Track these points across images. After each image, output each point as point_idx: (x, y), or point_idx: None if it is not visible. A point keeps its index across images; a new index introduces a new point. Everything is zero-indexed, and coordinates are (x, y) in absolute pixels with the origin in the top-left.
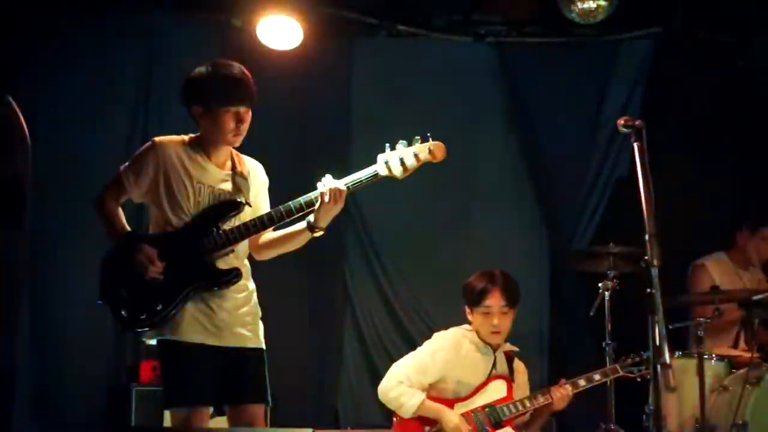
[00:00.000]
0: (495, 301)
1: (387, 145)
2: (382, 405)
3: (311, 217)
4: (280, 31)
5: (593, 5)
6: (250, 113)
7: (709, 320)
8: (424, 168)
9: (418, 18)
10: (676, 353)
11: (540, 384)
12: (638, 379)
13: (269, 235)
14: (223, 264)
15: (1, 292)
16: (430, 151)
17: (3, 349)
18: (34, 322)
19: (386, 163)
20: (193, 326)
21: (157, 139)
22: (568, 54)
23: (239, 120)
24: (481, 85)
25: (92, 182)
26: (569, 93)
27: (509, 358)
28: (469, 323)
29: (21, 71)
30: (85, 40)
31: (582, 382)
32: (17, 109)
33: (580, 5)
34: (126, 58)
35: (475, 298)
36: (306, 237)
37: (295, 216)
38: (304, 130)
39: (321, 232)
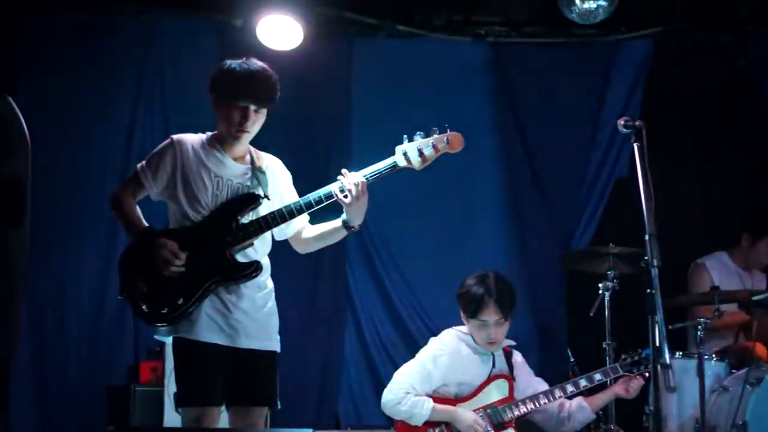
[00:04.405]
0: (490, 315)
1: (405, 136)
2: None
3: (345, 216)
4: (280, 31)
5: (593, 5)
6: (260, 113)
7: (709, 320)
8: (426, 167)
9: (418, 18)
10: (676, 353)
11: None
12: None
13: (310, 229)
14: (243, 258)
15: (0, 292)
16: (448, 142)
17: (3, 349)
18: (34, 322)
19: (404, 154)
20: (209, 326)
21: (174, 136)
22: (568, 54)
23: (244, 116)
24: (480, 85)
25: (92, 182)
26: (569, 93)
27: (507, 353)
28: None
29: (21, 71)
30: (85, 40)
31: (583, 383)
32: (17, 109)
33: (580, 5)
34: (126, 58)
35: (471, 311)
36: (342, 234)
37: (315, 208)
38: (304, 130)
39: (357, 228)
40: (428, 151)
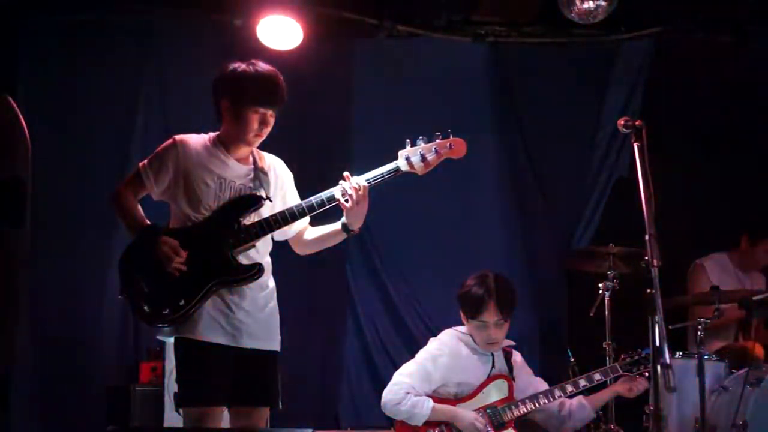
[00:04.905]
0: (491, 315)
1: (407, 140)
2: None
3: (345, 219)
4: (280, 31)
5: (593, 5)
6: (274, 117)
7: (709, 320)
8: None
9: (418, 18)
10: (676, 353)
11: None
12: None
13: (311, 232)
14: (244, 259)
15: (1, 292)
16: (451, 147)
17: (3, 349)
18: (34, 322)
19: (407, 159)
20: (211, 326)
21: (177, 137)
22: (568, 54)
23: (263, 122)
24: (480, 85)
25: (92, 182)
26: (569, 93)
27: (507, 354)
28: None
29: (21, 71)
30: (85, 40)
31: (582, 382)
32: (17, 110)
33: (580, 5)
34: (126, 58)
35: (471, 312)
36: (342, 237)
37: (317, 211)
38: (304, 131)
39: (357, 232)
40: (431, 157)
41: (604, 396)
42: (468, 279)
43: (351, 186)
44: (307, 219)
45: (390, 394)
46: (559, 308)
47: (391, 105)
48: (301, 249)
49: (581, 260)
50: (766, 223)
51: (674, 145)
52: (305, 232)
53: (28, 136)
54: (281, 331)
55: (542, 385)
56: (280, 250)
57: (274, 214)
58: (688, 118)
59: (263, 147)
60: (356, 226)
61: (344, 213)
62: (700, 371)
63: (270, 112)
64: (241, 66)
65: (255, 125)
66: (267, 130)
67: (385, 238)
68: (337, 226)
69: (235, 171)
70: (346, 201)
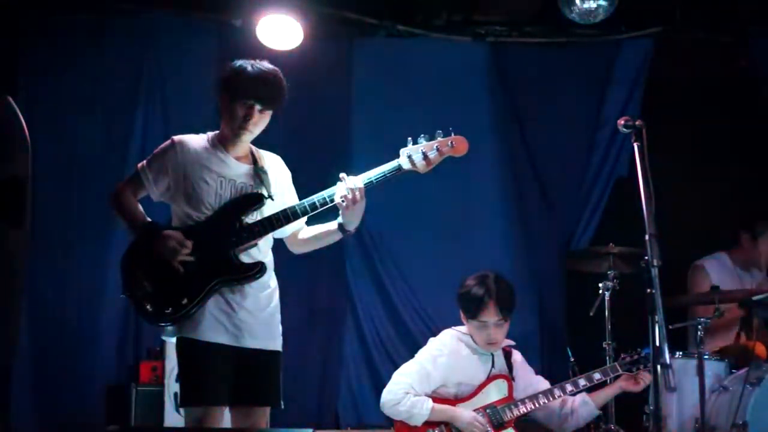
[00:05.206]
0: (490, 315)
1: (409, 138)
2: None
3: (341, 219)
4: (280, 31)
5: (593, 5)
6: (265, 114)
7: (709, 320)
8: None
9: (418, 18)
10: (676, 353)
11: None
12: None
13: (306, 231)
14: (246, 258)
15: (1, 291)
16: (453, 145)
17: (3, 348)
18: (34, 322)
19: (409, 157)
20: (213, 326)
21: (175, 137)
22: (568, 54)
23: (249, 115)
24: (480, 84)
25: (92, 182)
26: (569, 93)
27: (507, 353)
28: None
29: (21, 71)
30: (85, 39)
31: (582, 382)
32: (17, 110)
33: (580, 5)
34: (126, 58)
35: (471, 312)
36: (338, 236)
37: (320, 210)
38: (304, 130)
39: (352, 232)
40: (433, 155)
41: (608, 392)
42: (468, 279)
43: (347, 187)
44: (305, 218)
45: (389, 394)
46: (559, 308)
47: (391, 105)
48: (296, 248)
49: (581, 260)
50: (764, 217)
51: (674, 145)
52: (301, 231)
53: (28, 136)
54: (282, 330)
55: (543, 384)
56: (281, 249)
57: (276, 213)
58: (688, 118)
59: (263, 146)
60: (352, 226)
61: (341, 213)
62: (700, 371)
63: (258, 107)
64: (239, 62)
65: (240, 116)
66: (253, 123)
67: (385, 238)
68: (333, 225)
69: (234, 169)
70: (342, 201)
